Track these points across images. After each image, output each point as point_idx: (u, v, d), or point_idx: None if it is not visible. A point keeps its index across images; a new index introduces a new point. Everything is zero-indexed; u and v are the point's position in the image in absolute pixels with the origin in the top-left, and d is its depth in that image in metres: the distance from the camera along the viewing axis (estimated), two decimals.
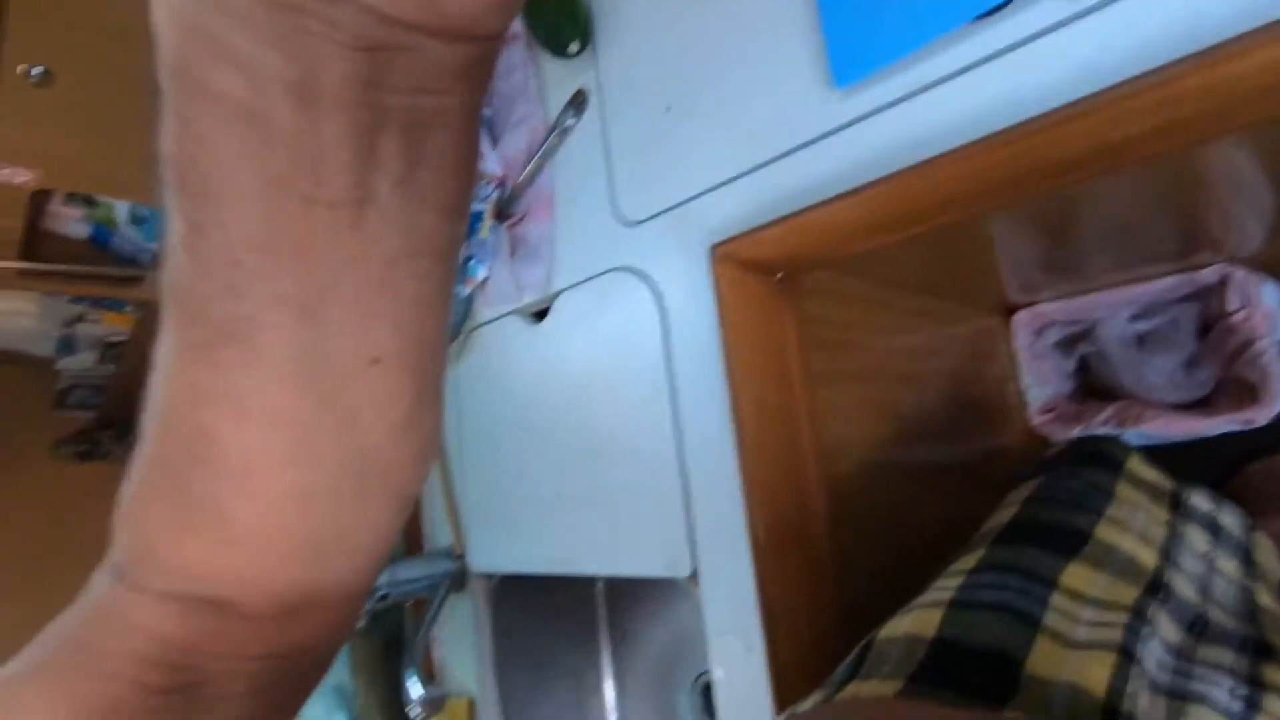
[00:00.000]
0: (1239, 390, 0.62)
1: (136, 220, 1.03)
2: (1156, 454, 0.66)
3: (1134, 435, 0.68)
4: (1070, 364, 0.74)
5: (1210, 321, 0.66)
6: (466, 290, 0.71)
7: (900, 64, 0.40)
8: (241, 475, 0.19)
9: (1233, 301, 0.61)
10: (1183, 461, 0.66)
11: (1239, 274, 0.63)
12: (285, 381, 0.18)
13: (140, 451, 0.20)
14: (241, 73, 0.16)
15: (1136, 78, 0.32)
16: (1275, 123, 0.37)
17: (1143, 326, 0.68)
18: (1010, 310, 0.76)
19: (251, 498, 0.19)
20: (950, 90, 0.38)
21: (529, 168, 0.64)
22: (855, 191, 0.39)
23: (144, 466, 0.20)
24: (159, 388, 0.19)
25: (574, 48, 0.61)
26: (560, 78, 0.64)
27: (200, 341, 0.18)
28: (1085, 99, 0.33)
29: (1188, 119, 0.31)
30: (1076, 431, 0.69)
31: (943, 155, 0.35)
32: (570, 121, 0.61)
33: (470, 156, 0.19)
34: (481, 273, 0.69)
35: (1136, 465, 0.55)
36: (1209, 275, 0.64)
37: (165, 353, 0.19)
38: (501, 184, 0.68)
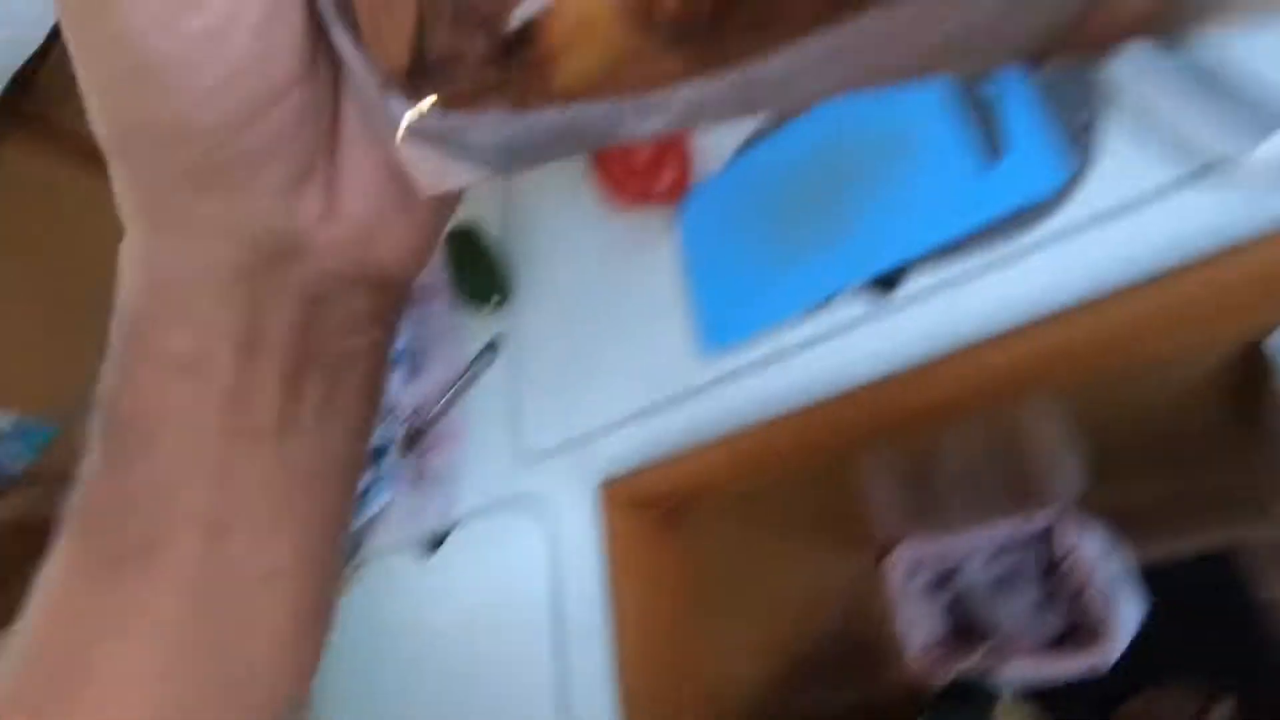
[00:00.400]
0: (1085, 632, 0.68)
1: (20, 433, 0.99)
2: (1039, 693, 0.68)
3: (1008, 675, 0.71)
4: (942, 605, 0.79)
5: (1053, 564, 0.73)
6: (366, 518, 0.71)
7: (752, 338, 0.49)
8: (109, 691, 0.19)
9: (1061, 546, 0.69)
10: (1063, 700, 0.69)
11: (1066, 520, 0.72)
12: (182, 594, 0.19)
13: (6, 673, 0.20)
14: (195, 333, 0.18)
15: (933, 357, 0.41)
16: (1060, 391, 0.47)
17: (997, 569, 0.75)
18: (885, 552, 0.82)
19: (116, 712, 0.19)
20: (792, 363, 0.47)
21: (440, 404, 0.69)
22: (720, 440, 0.45)
23: (8, 689, 0.20)
24: (38, 610, 0.20)
25: (494, 301, 0.69)
26: (479, 325, 0.72)
27: (103, 559, 0.19)
28: (893, 373, 0.42)
29: (970, 393, 0.40)
30: (953, 673, 0.72)
31: (778, 418, 0.43)
32: (483, 365, 0.68)
33: (379, 384, 0.21)
34: (383, 501, 0.69)
35: (1005, 709, 0.57)
36: (1041, 520, 0.73)
37: (53, 574, 0.19)
38: (413, 419, 0.72)
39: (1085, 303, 0.38)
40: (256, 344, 0.18)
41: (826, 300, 0.47)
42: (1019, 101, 0.42)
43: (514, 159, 0.14)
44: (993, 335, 0.40)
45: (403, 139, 0.14)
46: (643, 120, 0.11)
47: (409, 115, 0.13)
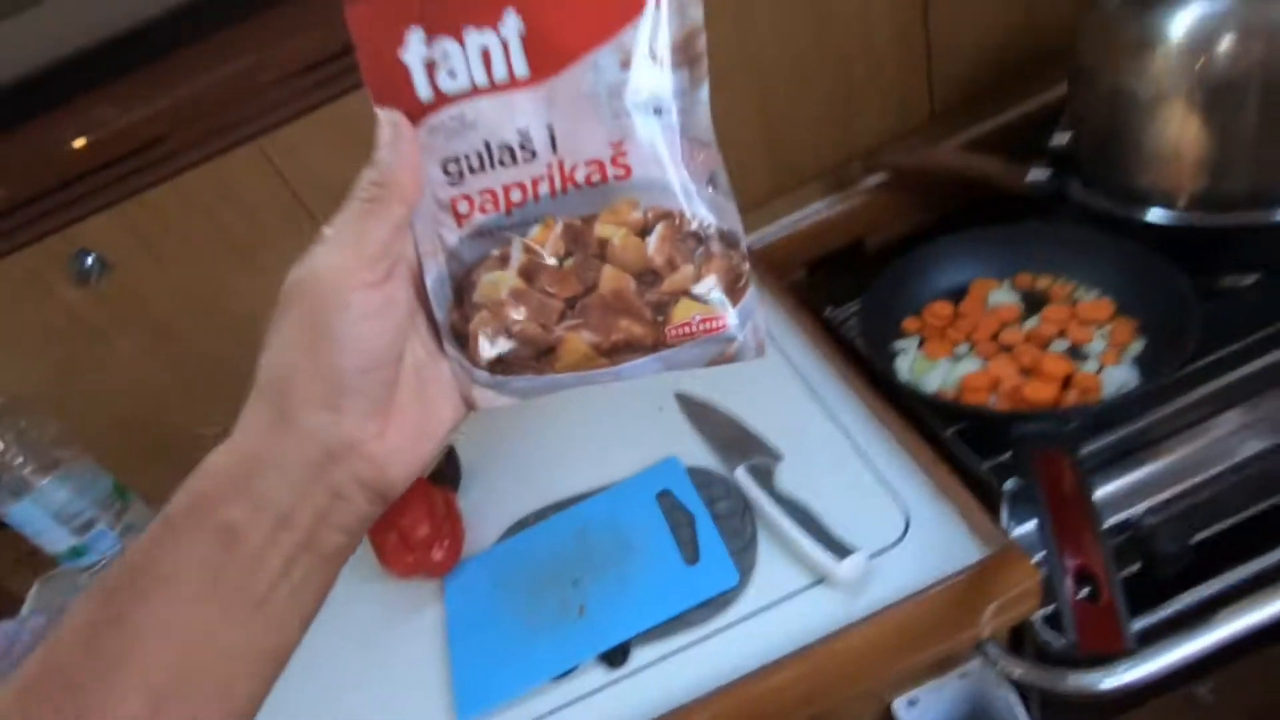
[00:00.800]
0: None
1: None
2: None
3: None
4: None
5: None
6: None
7: (504, 706, 0.54)
8: None
9: None
10: None
11: None
12: None
13: None
14: (252, 507, 0.24)
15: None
16: None
17: None
18: None
19: None
20: None
21: None
22: None
23: None
24: None
25: None
26: None
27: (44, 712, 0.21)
28: None
29: None
30: None
31: None
32: None
33: (327, 592, 0.27)
34: None
35: None
36: None
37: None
38: None
39: (760, 669, 0.50)
40: (288, 522, 0.25)
41: (568, 671, 0.55)
42: (706, 523, 0.60)
43: (531, 394, 0.31)
44: (701, 697, 0.50)
45: (477, 385, 0.31)
46: (591, 381, 0.30)
47: (483, 376, 0.30)
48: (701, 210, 0.28)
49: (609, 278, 0.29)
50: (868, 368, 0.66)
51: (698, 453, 0.67)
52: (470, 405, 0.31)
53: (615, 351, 0.29)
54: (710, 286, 0.29)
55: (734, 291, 0.29)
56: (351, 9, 0.28)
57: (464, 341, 0.30)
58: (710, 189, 0.29)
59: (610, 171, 0.28)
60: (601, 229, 0.28)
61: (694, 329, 0.29)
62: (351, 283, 0.26)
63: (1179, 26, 0.54)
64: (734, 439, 0.66)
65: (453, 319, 0.30)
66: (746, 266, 0.29)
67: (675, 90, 0.28)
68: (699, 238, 0.28)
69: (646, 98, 0.27)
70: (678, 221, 0.28)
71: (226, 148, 0.68)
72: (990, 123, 0.83)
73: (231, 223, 0.71)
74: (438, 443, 0.30)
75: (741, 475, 0.61)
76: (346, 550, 0.28)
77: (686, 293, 0.29)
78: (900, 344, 0.68)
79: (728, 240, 0.29)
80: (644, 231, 0.28)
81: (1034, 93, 0.82)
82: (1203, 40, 0.53)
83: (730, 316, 0.29)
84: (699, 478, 0.64)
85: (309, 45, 0.66)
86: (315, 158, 0.70)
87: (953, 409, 0.60)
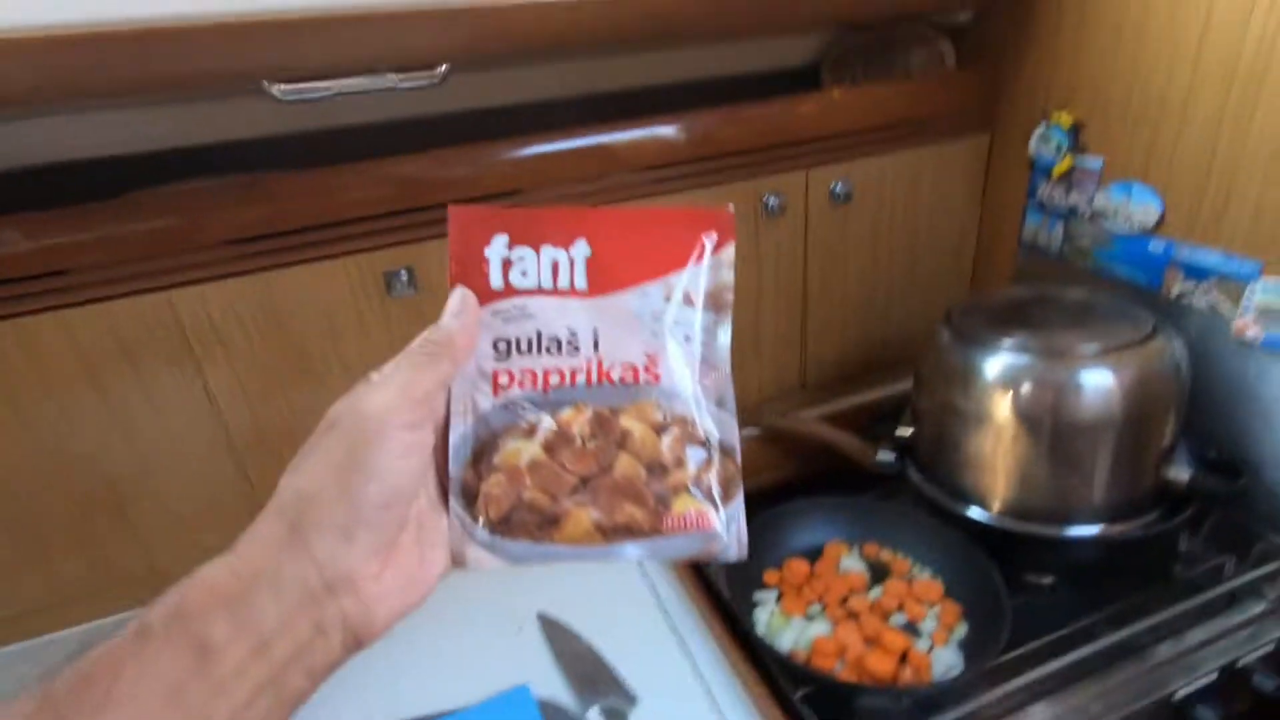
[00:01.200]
0: None
1: None
2: None
3: None
4: None
5: None
6: None
7: None
8: None
9: None
10: None
11: None
12: None
13: None
14: (236, 625, 0.22)
15: None
16: None
17: None
18: None
19: None
20: None
21: None
22: None
23: None
24: None
25: None
26: None
27: None
28: None
29: None
30: None
31: None
32: None
33: None
34: None
35: None
36: None
37: None
38: None
39: None
40: (266, 649, 0.24)
41: None
42: None
43: (524, 559, 0.32)
44: None
45: (473, 544, 0.31)
46: (584, 556, 0.31)
47: (483, 536, 0.31)
48: (708, 422, 0.33)
49: (624, 464, 0.32)
50: (729, 615, 0.68)
51: (553, 683, 0.65)
52: (459, 562, 0.32)
53: (615, 532, 0.32)
54: (707, 487, 0.32)
55: (726, 495, 0.32)
56: (455, 209, 0.33)
57: (471, 499, 0.32)
58: (717, 406, 0.34)
59: (642, 376, 0.33)
60: (626, 421, 0.33)
61: (688, 523, 0.32)
62: (393, 420, 0.28)
63: (992, 369, 0.68)
64: (591, 674, 0.65)
65: (466, 476, 0.32)
66: (739, 477, 0.33)
67: (703, 325, 0.34)
68: (704, 444, 0.33)
69: (680, 326, 0.33)
70: (689, 428, 0.33)
71: (130, 293, 0.66)
72: (852, 399, 0.96)
73: (106, 363, 0.68)
74: (425, 593, 0.31)
75: (594, 719, 0.59)
76: (301, 700, 0.27)
77: (686, 489, 0.32)
78: (761, 595, 0.72)
79: (725, 450, 0.33)
80: (660, 430, 0.33)
81: (889, 382, 0.97)
82: (1009, 382, 0.67)
83: (719, 517, 0.32)
84: (549, 712, 0.61)
85: (246, 219, 0.68)
86: (218, 313, 0.69)
87: (803, 672, 0.63)
